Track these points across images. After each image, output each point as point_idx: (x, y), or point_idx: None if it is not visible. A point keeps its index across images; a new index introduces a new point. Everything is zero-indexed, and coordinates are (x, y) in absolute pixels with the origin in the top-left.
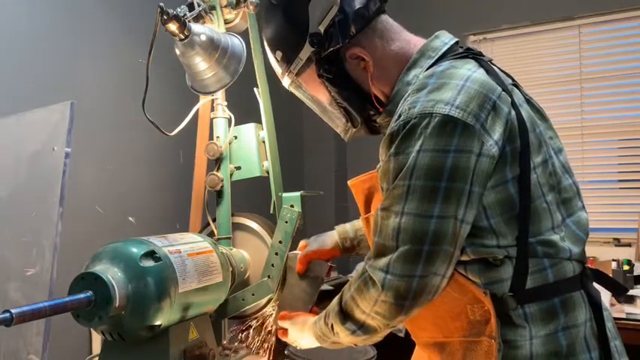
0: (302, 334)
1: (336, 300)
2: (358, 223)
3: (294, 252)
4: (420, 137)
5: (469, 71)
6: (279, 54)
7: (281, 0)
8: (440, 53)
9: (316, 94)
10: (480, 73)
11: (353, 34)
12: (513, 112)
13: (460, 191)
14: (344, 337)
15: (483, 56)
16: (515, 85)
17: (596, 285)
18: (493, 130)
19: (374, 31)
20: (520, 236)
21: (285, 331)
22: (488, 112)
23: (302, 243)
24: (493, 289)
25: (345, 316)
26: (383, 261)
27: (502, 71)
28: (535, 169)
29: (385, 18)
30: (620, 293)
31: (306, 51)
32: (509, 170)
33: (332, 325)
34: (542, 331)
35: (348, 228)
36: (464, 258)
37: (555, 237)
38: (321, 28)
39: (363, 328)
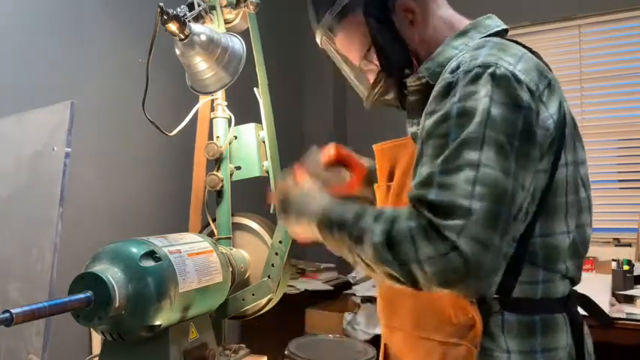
0: (308, 205)
1: (387, 214)
2: None
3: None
4: (486, 85)
5: (523, 50)
6: None
7: None
8: (491, 31)
9: (354, 42)
10: (533, 56)
11: None
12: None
13: (530, 155)
14: (369, 255)
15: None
16: None
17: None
18: (549, 105)
19: None
20: (526, 231)
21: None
22: (545, 87)
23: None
24: None
25: (390, 242)
26: (454, 222)
27: None
28: (567, 166)
29: None
30: (606, 324)
31: None
32: (553, 156)
33: (362, 231)
34: (517, 347)
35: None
36: None
37: (564, 242)
38: None
39: (398, 267)
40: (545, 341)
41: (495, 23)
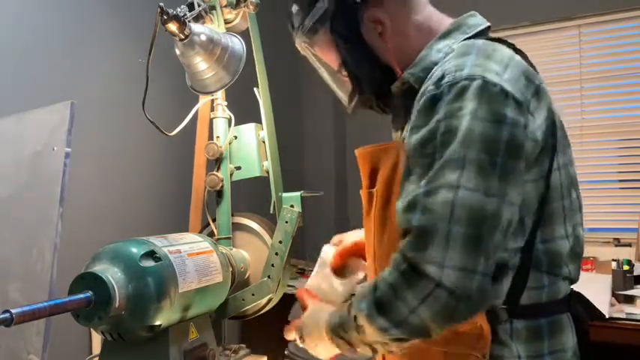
0: (316, 324)
1: (367, 288)
2: None
3: (329, 246)
4: (472, 100)
5: (510, 53)
6: (295, 7)
7: None
8: (476, 31)
9: (327, 56)
10: (520, 59)
11: None
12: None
13: (515, 170)
14: (371, 334)
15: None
16: None
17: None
18: (537, 115)
19: None
20: (528, 241)
21: (293, 324)
22: (532, 95)
23: (336, 238)
24: None
25: (380, 308)
26: (434, 250)
27: None
28: (560, 170)
29: None
30: (596, 319)
31: (322, 6)
32: (547, 164)
33: (356, 317)
34: (526, 352)
35: None
36: None
37: (565, 247)
38: None
39: (400, 327)
40: (552, 343)
41: (479, 22)
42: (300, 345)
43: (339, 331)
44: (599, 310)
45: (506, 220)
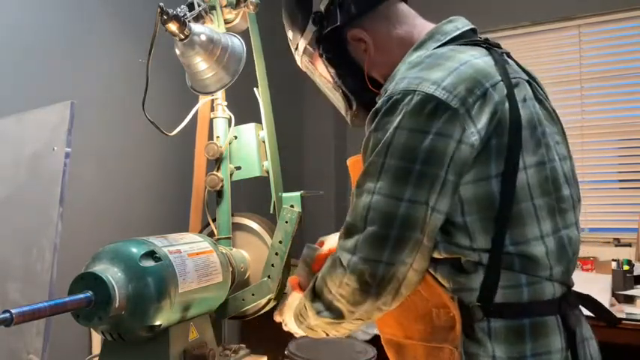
0: (291, 308)
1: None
2: None
3: (314, 246)
4: (399, 114)
5: (471, 57)
6: (290, 33)
7: None
8: (449, 37)
9: (323, 75)
10: (482, 61)
11: (354, 15)
12: (507, 105)
13: (434, 177)
14: (311, 316)
15: (499, 48)
16: (531, 81)
17: (586, 311)
18: (478, 119)
19: (379, 14)
20: (495, 242)
21: (281, 309)
22: (477, 99)
23: (321, 240)
24: (461, 296)
25: (315, 294)
26: (351, 242)
27: (519, 66)
28: (526, 169)
29: (398, 5)
30: (612, 324)
31: (310, 30)
32: (495, 166)
33: (305, 305)
34: (506, 354)
35: None
36: (435, 255)
37: (540, 249)
38: (322, 7)
39: (329, 310)
40: (535, 345)
41: (456, 26)
42: (285, 329)
43: (299, 317)
44: (612, 314)
45: (421, 219)
